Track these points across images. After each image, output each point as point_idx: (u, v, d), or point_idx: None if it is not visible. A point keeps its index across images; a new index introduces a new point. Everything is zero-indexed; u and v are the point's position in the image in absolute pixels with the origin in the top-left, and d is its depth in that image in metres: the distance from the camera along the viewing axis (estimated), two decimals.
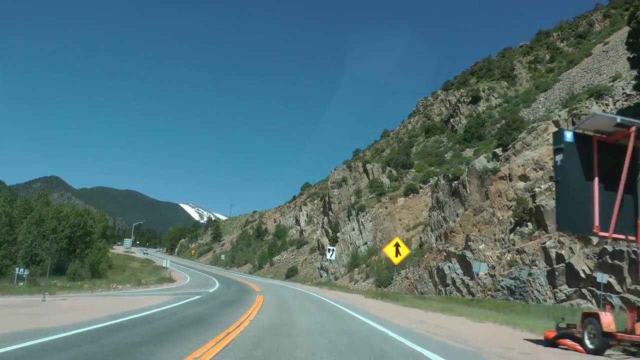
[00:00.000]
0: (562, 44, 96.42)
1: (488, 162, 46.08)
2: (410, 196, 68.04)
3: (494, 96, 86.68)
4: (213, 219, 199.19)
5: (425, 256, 47.33)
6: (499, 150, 46.19)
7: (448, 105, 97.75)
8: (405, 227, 64.06)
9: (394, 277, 53.73)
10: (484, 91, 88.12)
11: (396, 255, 26.29)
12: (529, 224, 34.28)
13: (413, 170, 74.59)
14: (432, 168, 72.46)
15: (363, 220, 66.19)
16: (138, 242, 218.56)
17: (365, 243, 64.63)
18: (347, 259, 65.04)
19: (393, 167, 76.37)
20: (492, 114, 78.84)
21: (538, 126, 42.24)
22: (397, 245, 26.65)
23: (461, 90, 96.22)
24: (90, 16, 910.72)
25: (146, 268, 68.50)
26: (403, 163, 76.45)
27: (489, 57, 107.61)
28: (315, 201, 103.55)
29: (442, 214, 50.64)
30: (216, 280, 47.78)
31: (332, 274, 63.56)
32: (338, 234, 67.78)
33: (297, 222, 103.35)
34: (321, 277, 66.12)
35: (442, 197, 51.62)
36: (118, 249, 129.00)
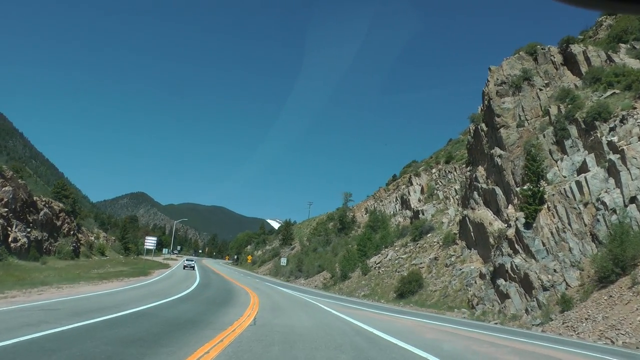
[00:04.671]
0: None
1: None
2: None
3: None
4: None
5: None
6: None
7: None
8: None
9: None
10: None
11: None
12: None
13: None
14: None
15: (613, 140, 24.23)
16: (201, 252, 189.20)
17: (634, 198, 22.34)
18: (578, 246, 23.03)
19: (635, 41, 33.68)
20: None
21: None
22: None
23: None
24: (170, 50, 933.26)
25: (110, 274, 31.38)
26: None
27: None
28: (434, 169, 62.01)
29: None
30: None
31: (549, 288, 21.96)
32: (542, 186, 26.05)
33: (405, 203, 62.35)
34: (504, 300, 24.61)
35: None
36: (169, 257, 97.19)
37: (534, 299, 22.37)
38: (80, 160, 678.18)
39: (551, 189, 25.52)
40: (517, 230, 25.39)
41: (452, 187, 52.21)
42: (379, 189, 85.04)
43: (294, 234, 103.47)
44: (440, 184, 55.12)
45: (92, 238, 67.55)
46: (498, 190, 32.42)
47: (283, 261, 64.45)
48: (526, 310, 22.43)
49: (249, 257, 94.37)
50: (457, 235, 39.11)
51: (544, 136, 28.35)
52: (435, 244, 41.26)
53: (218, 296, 20.90)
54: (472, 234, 35.23)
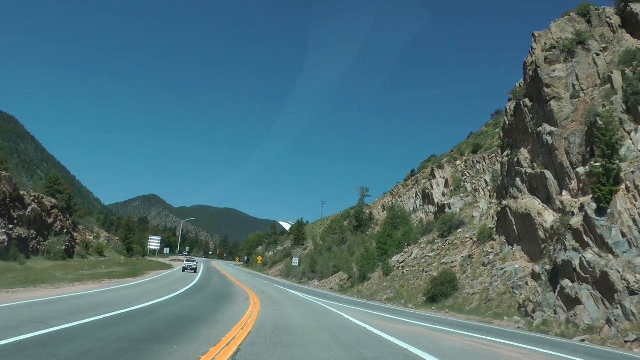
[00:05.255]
0: None
1: None
2: None
3: None
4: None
5: None
6: None
7: None
8: None
9: None
10: None
11: None
12: None
13: None
14: None
15: None
16: (211, 253, 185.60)
17: None
18: None
19: None
20: None
21: None
22: None
23: None
24: (173, 50, 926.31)
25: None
26: None
27: None
28: (459, 161, 56.86)
29: None
30: None
31: (638, 291, 16.81)
32: (615, 162, 20.71)
33: (427, 198, 57.29)
34: (573, 306, 19.42)
35: None
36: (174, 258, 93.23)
37: (617, 306, 17.20)
38: (91, 163, 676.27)
39: (627, 166, 20.31)
40: (587, 218, 20.19)
41: (481, 178, 46.99)
42: (397, 185, 79.89)
43: (307, 234, 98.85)
44: (468, 175, 49.90)
45: (91, 237, 63.29)
46: (548, 174, 27.22)
47: (295, 261, 59.56)
48: (608, 321, 17.23)
49: (259, 258, 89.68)
50: (494, 229, 33.98)
51: (612, 103, 23.10)
52: (467, 240, 36.11)
53: (207, 302, 16.09)
54: (514, 227, 30.06)
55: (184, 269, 44.78)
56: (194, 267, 44.87)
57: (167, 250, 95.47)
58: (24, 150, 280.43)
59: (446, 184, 54.62)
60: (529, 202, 28.69)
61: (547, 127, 27.72)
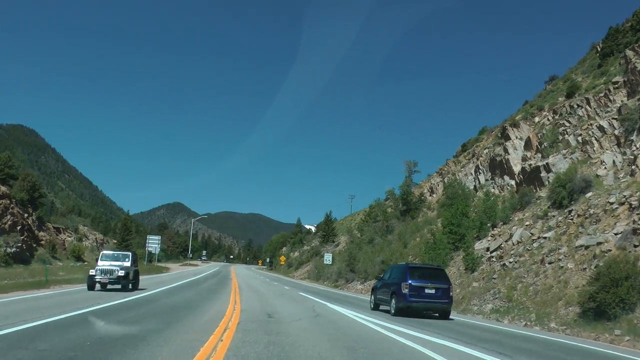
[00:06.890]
0: None
1: None
2: None
3: None
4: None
5: None
6: None
7: None
8: None
9: None
10: None
11: None
12: None
13: None
14: None
15: None
16: (232, 257, 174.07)
17: None
18: None
19: None
20: None
21: None
22: None
23: None
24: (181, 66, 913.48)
25: None
26: None
27: None
28: (537, 118, 42.38)
29: None
30: None
31: None
32: None
33: (499, 168, 42.94)
34: None
35: None
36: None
37: None
38: (115, 174, 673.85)
39: None
40: None
41: (592, 125, 32.40)
42: (447, 163, 65.55)
43: (337, 229, 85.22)
44: (569, 124, 35.22)
45: (71, 239, 50.61)
46: None
47: (327, 259, 45.80)
48: None
49: (282, 258, 76.38)
50: None
51: None
52: (615, 206, 21.67)
53: None
54: None
55: (90, 286, 19.84)
56: (120, 274, 19.86)
57: (154, 248, 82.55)
58: (45, 163, 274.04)
59: (527, 145, 40.12)
60: None
61: None
